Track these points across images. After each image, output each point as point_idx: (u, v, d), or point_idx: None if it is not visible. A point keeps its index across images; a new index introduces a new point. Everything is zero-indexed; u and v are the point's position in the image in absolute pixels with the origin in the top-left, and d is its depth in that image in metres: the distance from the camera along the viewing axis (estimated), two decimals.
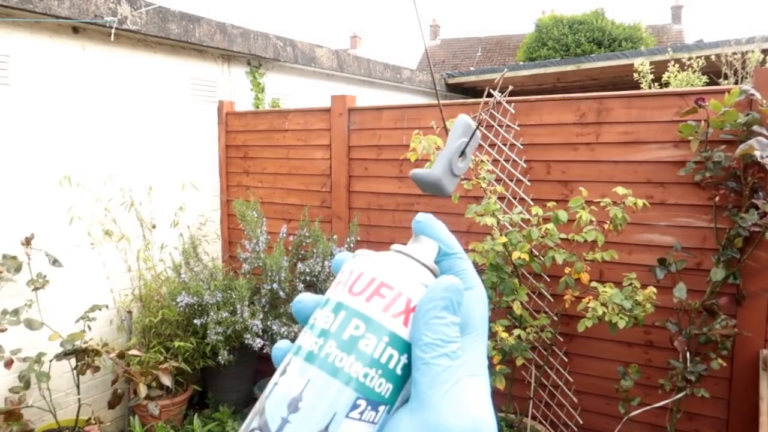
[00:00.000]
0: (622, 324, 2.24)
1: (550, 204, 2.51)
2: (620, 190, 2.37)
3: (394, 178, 3.31)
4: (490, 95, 2.92)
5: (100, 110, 3.28)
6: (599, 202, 2.39)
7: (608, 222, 2.35)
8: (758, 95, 2.35)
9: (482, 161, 2.70)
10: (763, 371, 2.34)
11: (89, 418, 2.89)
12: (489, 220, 2.45)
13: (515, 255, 2.42)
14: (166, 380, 2.85)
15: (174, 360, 3.15)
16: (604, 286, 2.38)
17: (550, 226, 2.40)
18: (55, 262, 2.94)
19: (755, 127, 2.32)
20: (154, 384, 2.94)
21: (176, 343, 3.21)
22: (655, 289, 2.33)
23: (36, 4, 2.81)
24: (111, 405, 2.86)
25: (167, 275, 3.57)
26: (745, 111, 2.38)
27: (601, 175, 2.73)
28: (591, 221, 2.35)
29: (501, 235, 2.49)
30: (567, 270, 2.44)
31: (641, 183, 2.64)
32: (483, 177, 2.60)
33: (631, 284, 2.38)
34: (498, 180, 2.83)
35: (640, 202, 2.33)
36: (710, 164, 2.42)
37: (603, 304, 2.30)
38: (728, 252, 2.41)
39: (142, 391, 2.76)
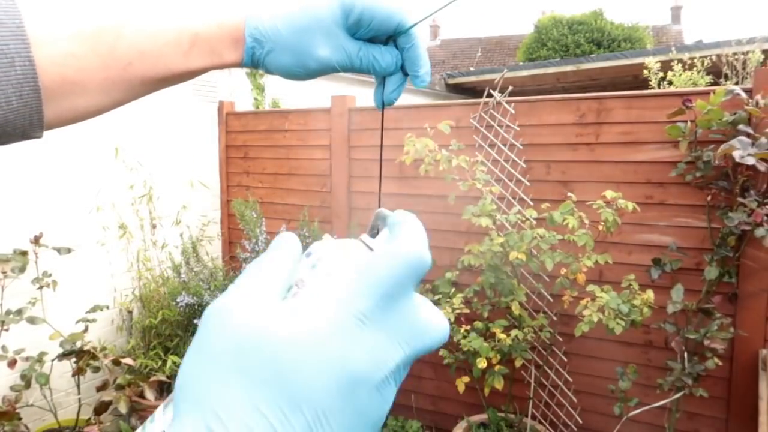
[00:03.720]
0: (618, 330, 2.23)
1: (544, 206, 2.50)
2: (609, 193, 2.37)
3: (394, 178, 3.31)
4: (490, 95, 2.93)
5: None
6: (592, 205, 2.38)
7: (602, 223, 2.35)
8: (743, 95, 2.35)
9: (480, 162, 2.70)
10: (762, 371, 2.35)
11: (89, 418, 2.88)
12: (485, 221, 2.45)
13: (512, 255, 2.42)
14: (150, 395, 2.82)
15: (170, 366, 3.15)
16: (602, 289, 2.37)
17: (542, 231, 2.40)
18: (67, 251, 2.92)
19: (741, 126, 2.32)
20: (143, 394, 2.89)
21: (171, 358, 3.21)
22: (653, 294, 2.32)
23: None
24: (97, 412, 2.81)
25: (167, 275, 3.57)
26: (735, 111, 2.37)
27: (600, 175, 2.73)
28: (584, 224, 2.34)
29: (499, 235, 2.49)
30: (563, 271, 2.44)
31: (641, 183, 2.64)
32: (478, 178, 2.60)
33: (629, 286, 2.38)
34: (498, 180, 2.84)
35: (630, 205, 2.32)
36: (701, 164, 2.42)
37: (599, 310, 2.30)
38: (721, 251, 2.41)
39: (123, 407, 2.73)
